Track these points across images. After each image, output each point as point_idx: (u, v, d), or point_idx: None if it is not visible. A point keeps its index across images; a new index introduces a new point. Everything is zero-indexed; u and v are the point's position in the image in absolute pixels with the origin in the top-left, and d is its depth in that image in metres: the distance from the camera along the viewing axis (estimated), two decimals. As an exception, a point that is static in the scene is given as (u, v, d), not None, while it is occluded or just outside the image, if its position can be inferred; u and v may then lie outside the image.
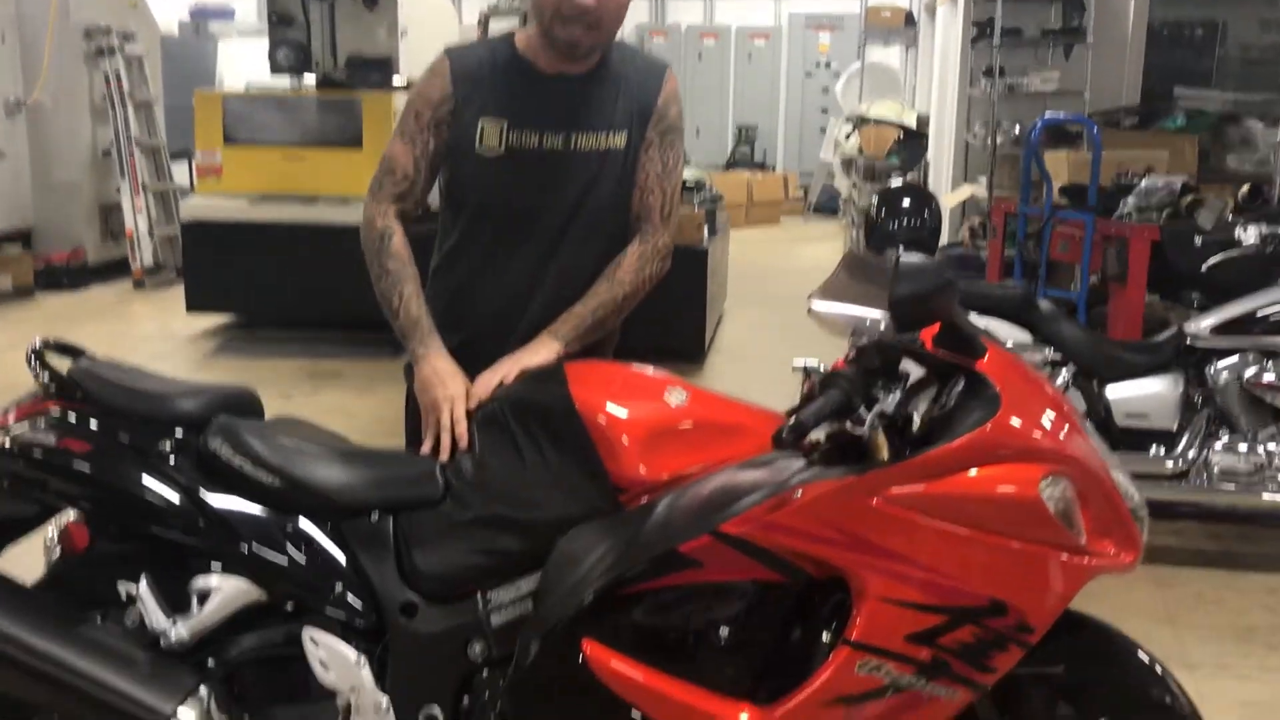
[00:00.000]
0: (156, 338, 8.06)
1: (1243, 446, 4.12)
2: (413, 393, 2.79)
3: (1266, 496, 4.11)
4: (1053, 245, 5.56)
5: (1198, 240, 4.77)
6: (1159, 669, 2.12)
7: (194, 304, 7.80)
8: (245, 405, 2.36)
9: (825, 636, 2.00)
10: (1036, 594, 1.96)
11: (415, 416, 2.79)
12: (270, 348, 7.62)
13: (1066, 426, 2.05)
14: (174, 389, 2.32)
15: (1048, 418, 2.03)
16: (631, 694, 1.99)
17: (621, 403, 2.15)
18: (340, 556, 2.20)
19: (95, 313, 8.83)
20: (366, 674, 2.15)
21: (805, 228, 14.47)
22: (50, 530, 2.35)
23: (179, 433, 2.25)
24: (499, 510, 2.16)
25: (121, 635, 2.17)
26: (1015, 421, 1.97)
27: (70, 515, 2.31)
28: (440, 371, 2.43)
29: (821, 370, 3.15)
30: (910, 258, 1.87)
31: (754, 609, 1.99)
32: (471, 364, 2.46)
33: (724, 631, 1.99)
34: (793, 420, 1.92)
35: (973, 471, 1.95)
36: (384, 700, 2.15)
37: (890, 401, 1.98)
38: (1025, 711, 2.11)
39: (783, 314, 9.06)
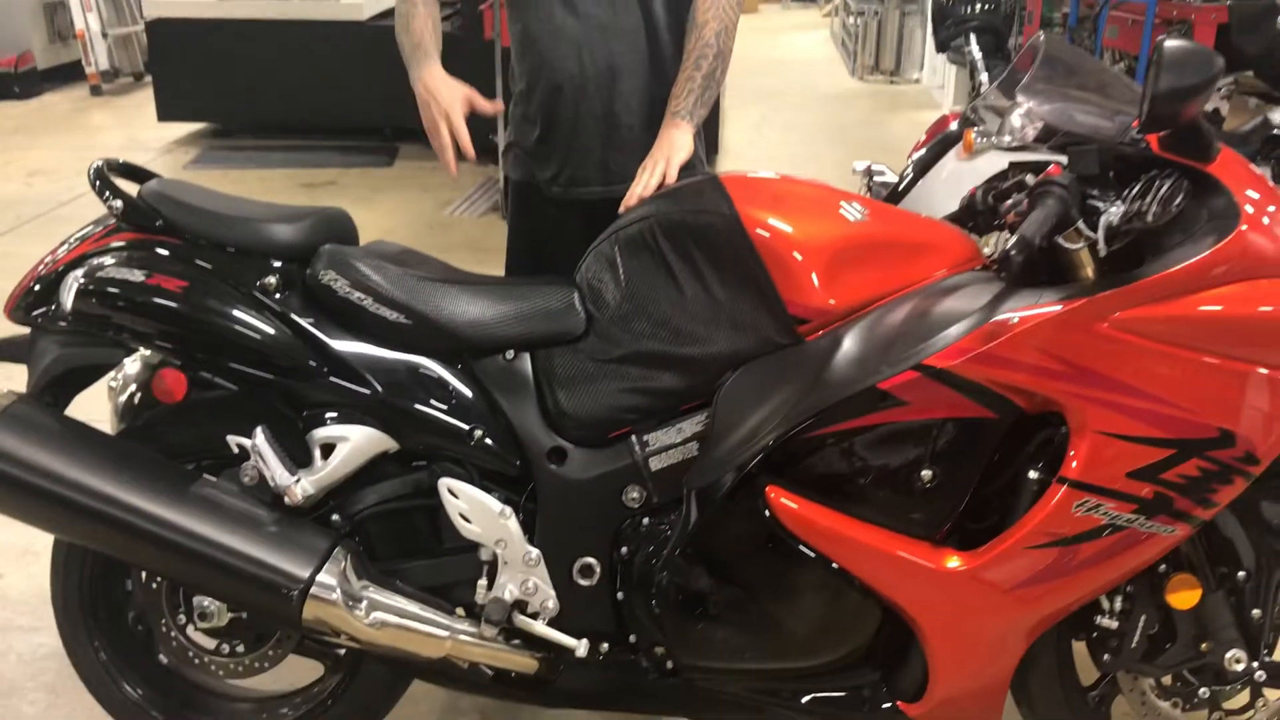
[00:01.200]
0: (127, 149, 7.55)
1: None
2: (512, 202, 2.53)
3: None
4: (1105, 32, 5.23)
5: (1272, 21, 4.46)
6: None
7: (166, 112, 7.29)
8: (343, 230, 2.08)
9: (1033, 475, 1.82)
10: (1268, 423, 1.79)
11: (517, 235, 2.53)
12: (254, 157, 7.17)
13: None
14: (265, 213, 2.03)
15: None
16: (826, 544, 1.81)
17: (797, 220, 1.90)
18: (478, 400, 1.97)
19: (53, 124, 8.26)
20: (514, 526, 1.96)
21: (785, 16, 13.87)
22: (118, 376, 2.10)
23: (277, 264, 1.98)
24: (654, 346, 1.93)
25: (238, 495, 1.94)
26: (1259, 232, 1.75)
27: (138, 361, 2.04)
28: (430, 86, 2.24)
29: (886, 173, 2.91)
30: (1176, 43, 1.60)
31: (957, 448, 1.80)
32: (562, 150, 2.37)
33: (925, 474, 1.80)
34: (1016, 238, 1.69)
35: (1214, 290, 1.74)
36: (534, 553, 1.96)
37: (1115, 212, 1.74)
38: (1228, 537, 1.96)
39: (785, 113, 8.71)
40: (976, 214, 2.07)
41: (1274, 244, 1.75)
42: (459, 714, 2.42)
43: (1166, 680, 2.03)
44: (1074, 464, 1.77)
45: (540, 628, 1.96)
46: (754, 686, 1.96)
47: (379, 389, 1.93)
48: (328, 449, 1.95)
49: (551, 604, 1.97)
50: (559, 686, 2.02)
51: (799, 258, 1.86)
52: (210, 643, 2.09)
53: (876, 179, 4.40)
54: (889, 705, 1.96)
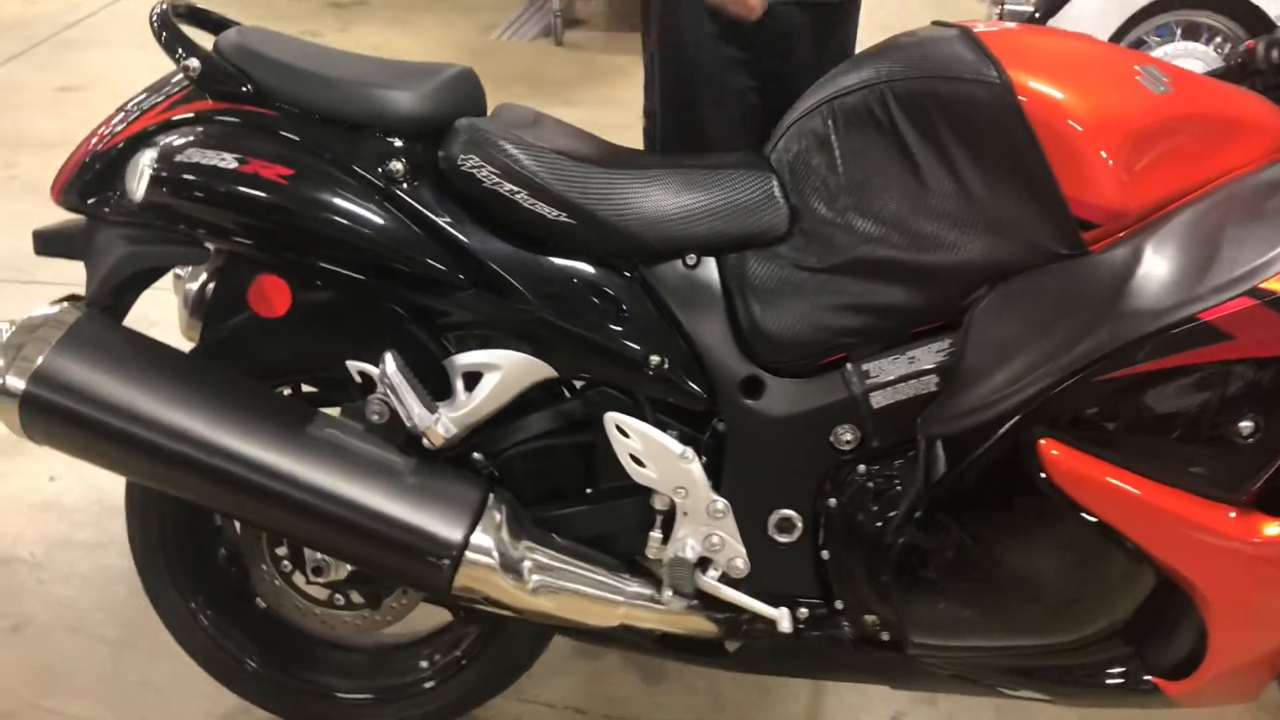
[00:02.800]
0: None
1: None
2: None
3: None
4: None
5: None
6: None
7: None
8: (475, 97, 1.65)
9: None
10: None
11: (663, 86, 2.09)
12: (276, -30, 6.53)
13: None
14: (380, 74, 1.60)
15: None
16: (1113, 510, 1.45)
17: (1087, 91, 1.47)
18: (656, 317, 1.58)
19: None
20: (697, 470, 1.59)
21: None
22: (187, 278, 1.71)
23: (401, 143, 1.55)
24: (882, 251, 1.52)
25: (364, 436, 1.57)
26: None
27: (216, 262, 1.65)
28: None
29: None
30: None
31: (1283, 392, 1.42)
32: None
33: (1244, 425, 1.42)
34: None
35: None
36: (721, 503, 1.60)
37: None
38: None
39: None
40: (1254, 73, 1.63)
41: None
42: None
43: None
44: None
45: (735, 595, 1.62)
46: (987, 663, 1.63)
47: (535, 304, 1.54)
48: (472, 378, 1.57)
49: (741, 563, 1.62)
50: (741, 652, 1.69)
51: (1089, 140, 1.43)
52: (322, 594, 1.76)
53: (1009, 6, 3.87)
54: (1146, 683, 1.63)
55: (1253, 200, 1.43)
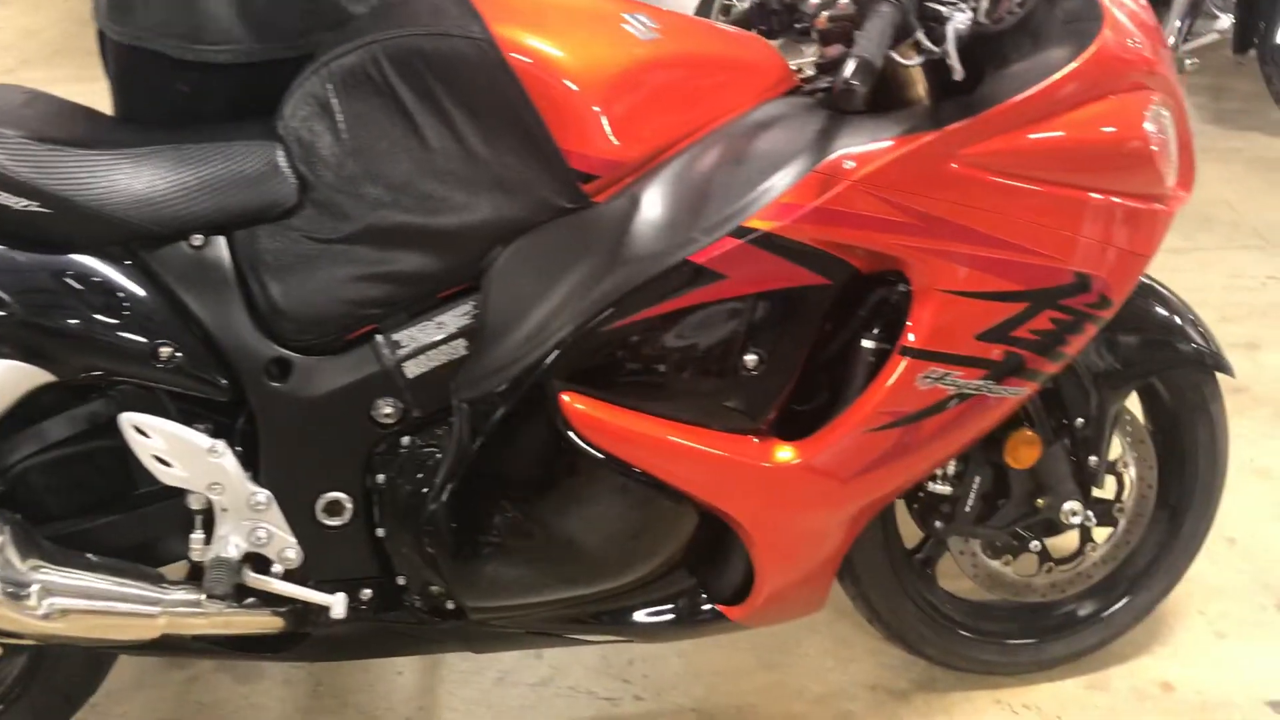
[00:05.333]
0: None
1: None
2: None
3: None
4: None
5: None
6: (1165, 292, 1.83)
7: None
8: None
9: (869, 345, 1.53)
10: (1123, 259, 1.56)
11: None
12: None
13: (1151, 29, 1.57)
14: None
15: (1138, 23, 1.54)
16: (639, 455, 1.48)
17: (572, 42, 1.46)
18: (161, 305, 1.47)
19: None
20: (230, 464, 1.50)
21: None
22: None
23: None
24: (394, 217, 1.48)
25: None
26: (1121, 35, 1.47)
27: None
28: None
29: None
30: None
31: (785, 324, 1.48)
32: None
33: (748, 359, 1.47)
34: (855, 61, 1.31)
35: (1070, 114, 1.45)
36: (261, 495, 1.52)
37: (963, 18, 1.40)
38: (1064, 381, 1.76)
39: None
40: (770, 14, 1.68)
41: (1130, 49, 1.48)
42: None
43: (998, 539, 1.85)
44: (917, 331, 1.48)
45: (281, 586, 1.55)
46: (553, 616, 1.64)
47: (13, 305, 1.40)
48: (-48, 394, 1.42)
49: (293, 554, 1.55)
50: (314, 641, 1.63)
51: (579, 92, 1.43)
52: None
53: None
54: (710, 612, 1.68)
55: (742, 142, 1.47)
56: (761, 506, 1.55)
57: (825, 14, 1.52)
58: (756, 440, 1.51)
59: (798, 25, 1.63)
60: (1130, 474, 1.86)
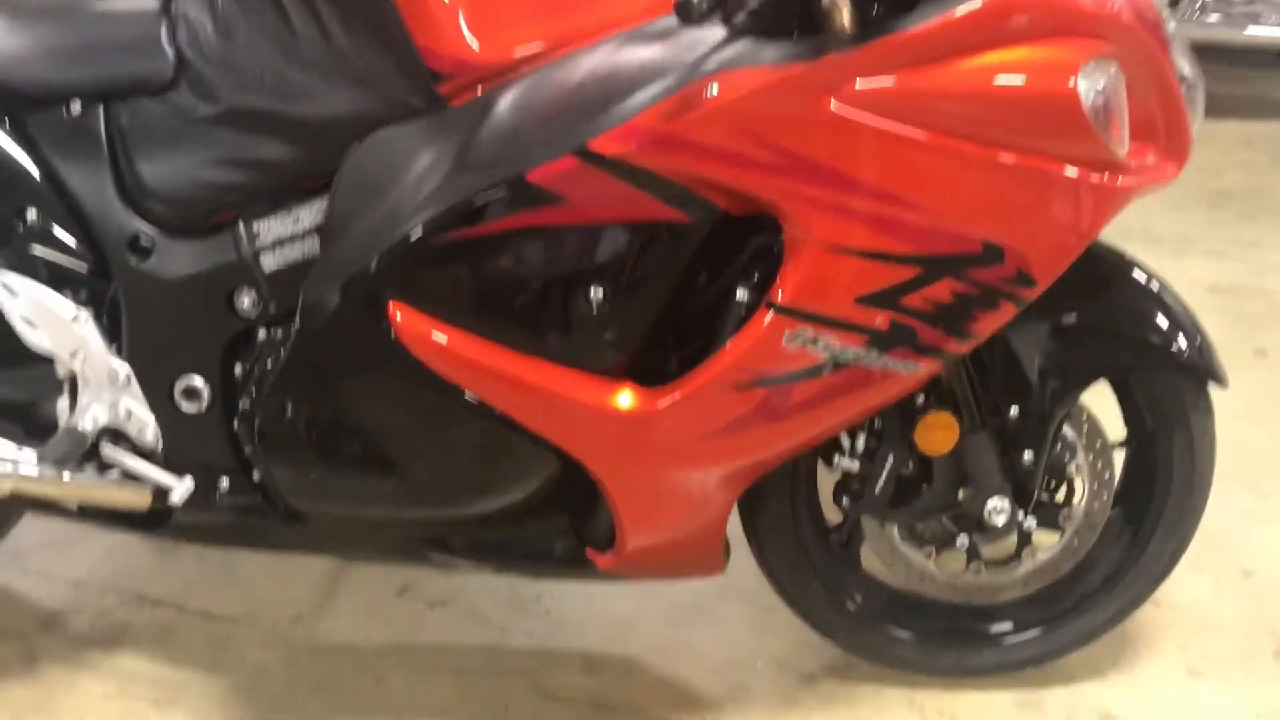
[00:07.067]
0: None
1: None
2: None
3: (1252, 31, 3.47)
4: None
5: None
6: (1156, 286, 1.60)
7: None
8: None
9: (742, 295, 1.39)
10: (1049, 234, 1.36)
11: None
12: None
13: None
14: None
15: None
16: (469, 378, 1.39)
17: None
18: (30, 167, 1.48)
19: None
20: (93, 334, 1.51)
21: None
22: None
23: None
24: (256, 101, 1.44)
25: None
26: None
27: None
28: None
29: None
30: None
31: (636, 261, 1.36)
32: None
33: (593, 294, 1.36)
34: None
35: (982, 56, 1.26)
36: (122, 370, 1.53)
37: None
38: (1000, 366, 1.58)
39: None
40: None
41: None
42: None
43: (920, 526, 1.69)
44: (786, 286, 1.34)
45: (133, 463, 1.55)
46: (407, 536, 1.59)
47: None
48: None
49: (151, 434, 1.55)
50: (175, 522, 1.63)
51: (436, -13, 1.34)
52: None
53: None
54: (578, 555, 1.60)
55: (614, 56, 1.35)
56: (607, 452, 1.44)
57: None
58: (602, 382, 1.41)
59: None
60: (1082, 479, 1.66)
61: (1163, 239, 2.98)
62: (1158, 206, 3.18)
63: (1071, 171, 1.32)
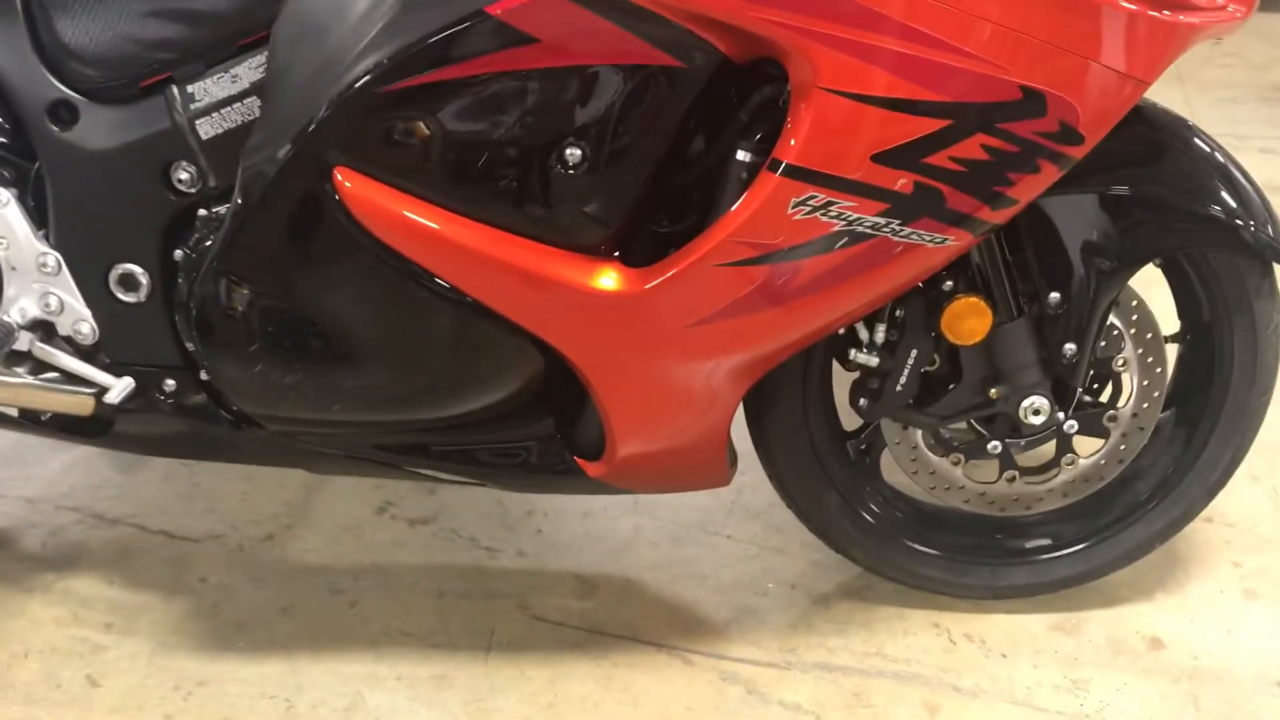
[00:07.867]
0: None
1: None
2: None
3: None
4: None
5: None
6: (1220, 156, 1.42)
7: None
8: None
9: (743, 156, 1.21)
10: (1099, 79, 1.17)
11: None
12: None
13: None
14: None
15: None
16: (422, 251, 1.22)
17: None
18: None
19: None
20: (15, 216, 1.35)
21: None
22: None
23: None
24: (186, -58, 1.25)
25: None
26: None
27: None
28: None
29: None
30: None
31: (623, 114, 1.17)
32: None
33: (571, 153, 1.18)
34: None
35: None
36: (51, 256, 1.36)
37: None
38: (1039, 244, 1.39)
39: None
40: None
41: None
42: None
43: (946, 431, 1.51)
44: (795, 141, 1.15)
45: (65, 360, 1.40)
46: (376, 443, 1.43)
47: None
48: None
49: (86, 328, 1.39)
50: (118, 430, 1.47)
51: None
52: None
53: None
54: (565, 463, 1.43)
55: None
56: (590, 341, 1.27)
57: None
58: (583, 260, 1.23)
59: None
60: (1130, 376, 1.48)
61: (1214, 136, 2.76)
62: (1208, 102, 2.97)
63: (1128, 2, 1.13)
